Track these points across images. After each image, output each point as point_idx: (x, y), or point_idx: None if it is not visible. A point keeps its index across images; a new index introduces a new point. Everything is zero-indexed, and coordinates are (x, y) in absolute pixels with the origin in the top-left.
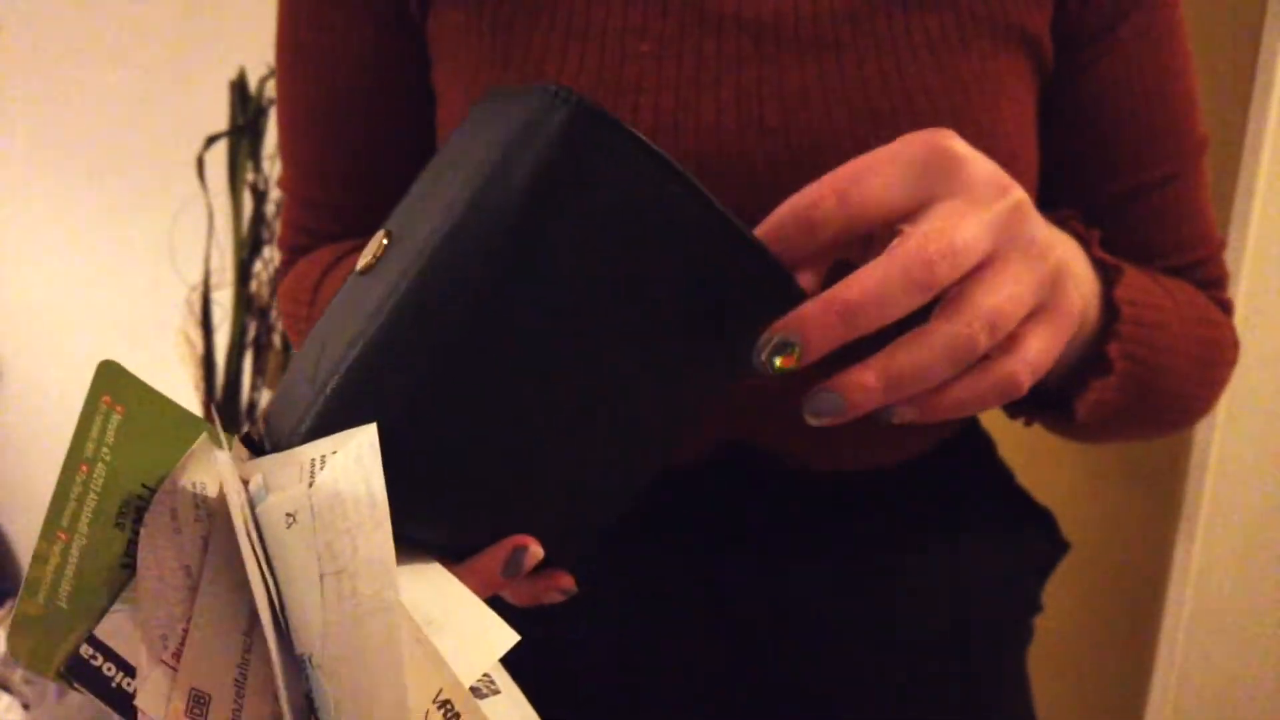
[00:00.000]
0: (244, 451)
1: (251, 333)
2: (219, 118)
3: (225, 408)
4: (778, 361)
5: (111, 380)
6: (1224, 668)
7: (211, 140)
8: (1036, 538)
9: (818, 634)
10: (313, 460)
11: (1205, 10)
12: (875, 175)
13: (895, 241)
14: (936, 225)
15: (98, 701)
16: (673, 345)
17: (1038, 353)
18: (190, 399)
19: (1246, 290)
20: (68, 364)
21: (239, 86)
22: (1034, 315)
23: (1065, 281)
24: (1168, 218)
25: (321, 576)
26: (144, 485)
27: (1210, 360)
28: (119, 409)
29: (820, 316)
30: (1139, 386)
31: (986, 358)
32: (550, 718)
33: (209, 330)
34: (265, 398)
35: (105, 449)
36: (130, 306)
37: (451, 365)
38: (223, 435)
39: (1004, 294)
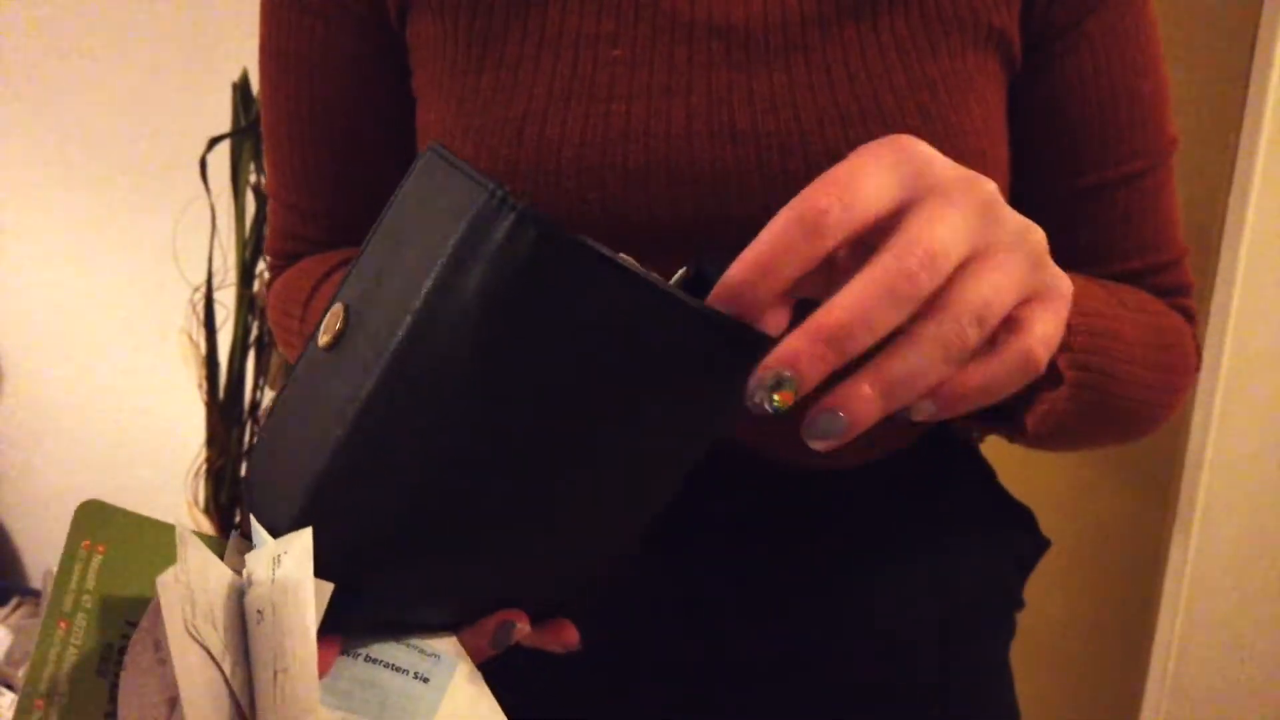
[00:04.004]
0: (242, 544)
1: (254, 333)
2: (222, 119)
3: (228, 408)
4: (776, 399)
5: (90, 522)
6: (1218, 666)
7: (214, 141)
8: (1016, 532)
9: (796, 627)
10: (275, 556)
11: (1202, 8)
12: (866, 178)
13: (872, 259)
14: (911, 235)
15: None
16: (646, 424)
17: (1044, 328)
18: (193, 399)
19: (1243, 290)
20: (70, 364)
21: (242, 88)
22: (1028, 299)
23: (1049, 261)
24: (1131, 217)
25: (275, 674)
26: (128, 622)
27: (1168, 365)
28: (100, 549)
29: (809, 347)
30: (1093, 394)
31: (994, 342)
32: (530, 715)
33: (212, 330)
34: (268, 397)
35: (86, 596)
36: (133, 307)
37: (420, 468)
38: (205, 532)
39: (988, 285)
